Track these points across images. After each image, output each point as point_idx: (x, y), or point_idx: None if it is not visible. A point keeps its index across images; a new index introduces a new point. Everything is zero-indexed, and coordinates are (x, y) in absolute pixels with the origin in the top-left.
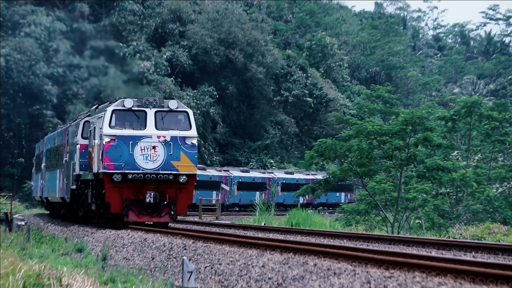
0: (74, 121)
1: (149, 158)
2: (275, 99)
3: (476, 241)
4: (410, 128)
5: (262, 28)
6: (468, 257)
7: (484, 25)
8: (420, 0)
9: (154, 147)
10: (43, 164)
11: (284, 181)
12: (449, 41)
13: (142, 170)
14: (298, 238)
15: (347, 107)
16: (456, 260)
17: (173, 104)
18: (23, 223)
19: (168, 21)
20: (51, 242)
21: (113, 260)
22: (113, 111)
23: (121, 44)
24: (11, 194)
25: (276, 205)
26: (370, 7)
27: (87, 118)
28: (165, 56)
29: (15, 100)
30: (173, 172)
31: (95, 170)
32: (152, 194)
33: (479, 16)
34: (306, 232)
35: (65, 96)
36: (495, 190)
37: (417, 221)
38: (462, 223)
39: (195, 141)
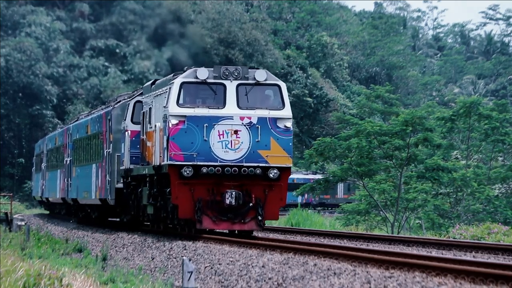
0: (117, 102)
1: (229, 146)
2: None
3: (476, 241)
4: (410, 128)
5: (262, 28)
6: (468, 257)
7: (484, 25)
8: (420, 0)
9: (236, 132)
10: (67, 159)
11: None
12: (449, 41)
13: (220, 161)
14: (298, 238)
15: (347, 107)
16: (456, 260)
17: (260, 74)
18: (23, 223)
19: (168, 21)
20: (51, 242)
21: (113, 260)
22: (182, 84)
23: (121, 43)
24: (11, 194)
25: None
26: (370, 7)
27: (138, 98)
28: (165, 56)
29: (15, 100)
30: (261, 165)
31: (155, 162)
32: (233, 193)
33: (479, 16)
34: (306, 232)
35: (65, 96)
36: (497, 190)
37: (417, 221)
38: (462, 223)
39: (289, 124)
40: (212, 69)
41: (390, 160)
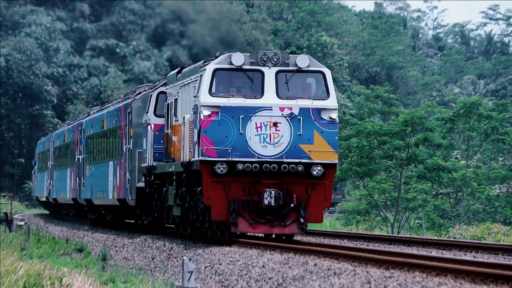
0: (137, 94)
1: (268, 139)
2: None
3: (476, 241)
4: (410, 129)
5: (262, 28)
6: (468, 257)
7: (484, 25)
8: (420, 0)
9: (275, 124)
10: (79, 157)
11: None
12: (449, 41)
13: (257, 157)
14: (298, 238)
15: (347, 107)
16: (456, 260)
17: (302, 60)
18: (23, 223)
19: (168, 20)
20: (51, 242)
21: (113, 260)
22: (215, 71)
23: (121, 43)
24: (11, 194)
25: None
26: (370, 7)
27: (161, 88)
28: (165, 56)
29: (15, 100)
30: (303, 161)
31: (184, 158)
32: (272, 193)
33: (479, 16)
34: (306, 232)
35: (65, 96)
36: (498, 190)
37: (417, 221)
38: (462, 223)
39: (335, 115)
40: (249, 54)
41: (390, 160)
